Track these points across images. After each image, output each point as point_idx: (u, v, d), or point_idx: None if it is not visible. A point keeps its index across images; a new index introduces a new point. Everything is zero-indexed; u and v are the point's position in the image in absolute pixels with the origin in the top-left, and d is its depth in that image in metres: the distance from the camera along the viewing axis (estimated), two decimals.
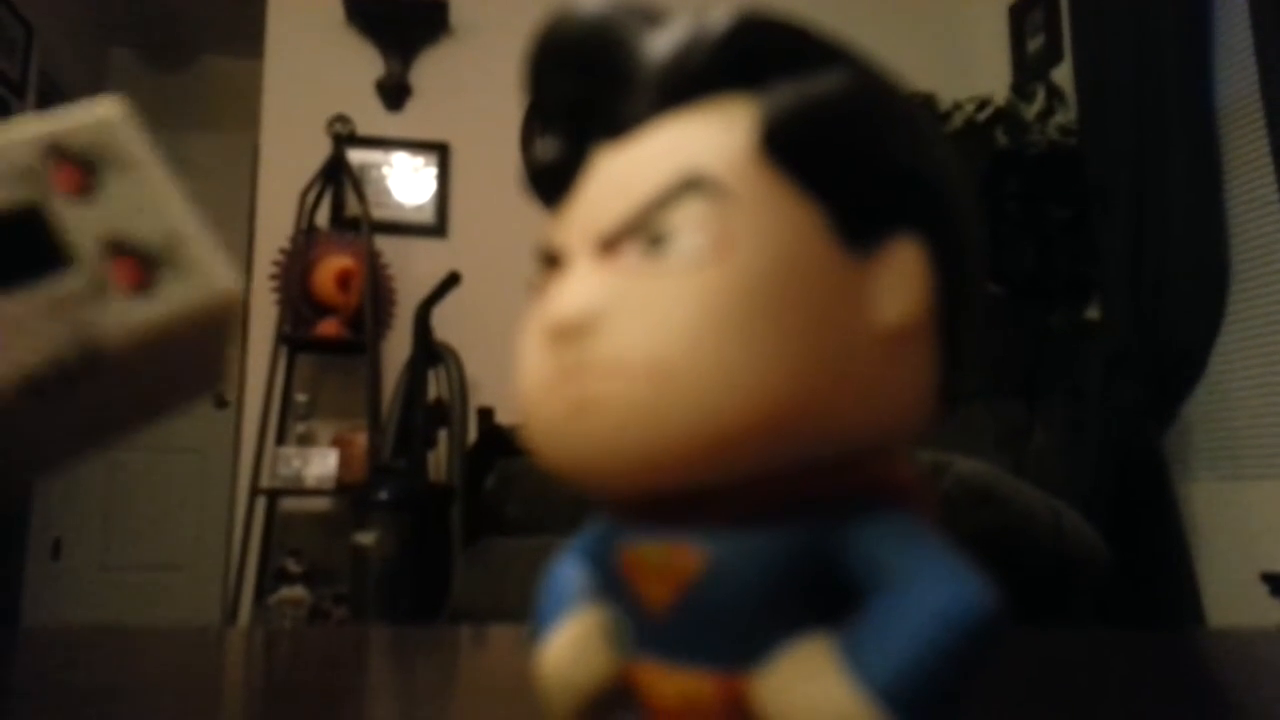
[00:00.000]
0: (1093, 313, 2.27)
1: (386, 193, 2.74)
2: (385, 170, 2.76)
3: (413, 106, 2.80)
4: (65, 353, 0.17)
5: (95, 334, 0.17)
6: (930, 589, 0.15)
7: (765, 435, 0.15)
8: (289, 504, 2.53)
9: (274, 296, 2.58)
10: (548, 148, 0.19)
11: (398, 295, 2.65)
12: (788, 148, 0.16)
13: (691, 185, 0.16)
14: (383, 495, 2.14)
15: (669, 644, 0.17)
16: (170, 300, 0.18)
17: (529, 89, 0.19)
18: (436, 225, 2.76)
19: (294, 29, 2.76)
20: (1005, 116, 2.28)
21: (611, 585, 0.18)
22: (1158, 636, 0.57)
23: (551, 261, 0.18)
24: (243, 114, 3.29)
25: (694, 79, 0.17)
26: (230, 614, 2.36)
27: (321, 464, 2.42)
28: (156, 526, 3.64)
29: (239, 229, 3.22)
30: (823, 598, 0.16)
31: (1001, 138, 2.23)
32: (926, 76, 2.14)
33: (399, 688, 0.43)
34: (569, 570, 0.20)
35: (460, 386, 2.44)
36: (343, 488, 2.39)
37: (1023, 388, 1.93)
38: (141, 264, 0.18)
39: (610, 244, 0.16)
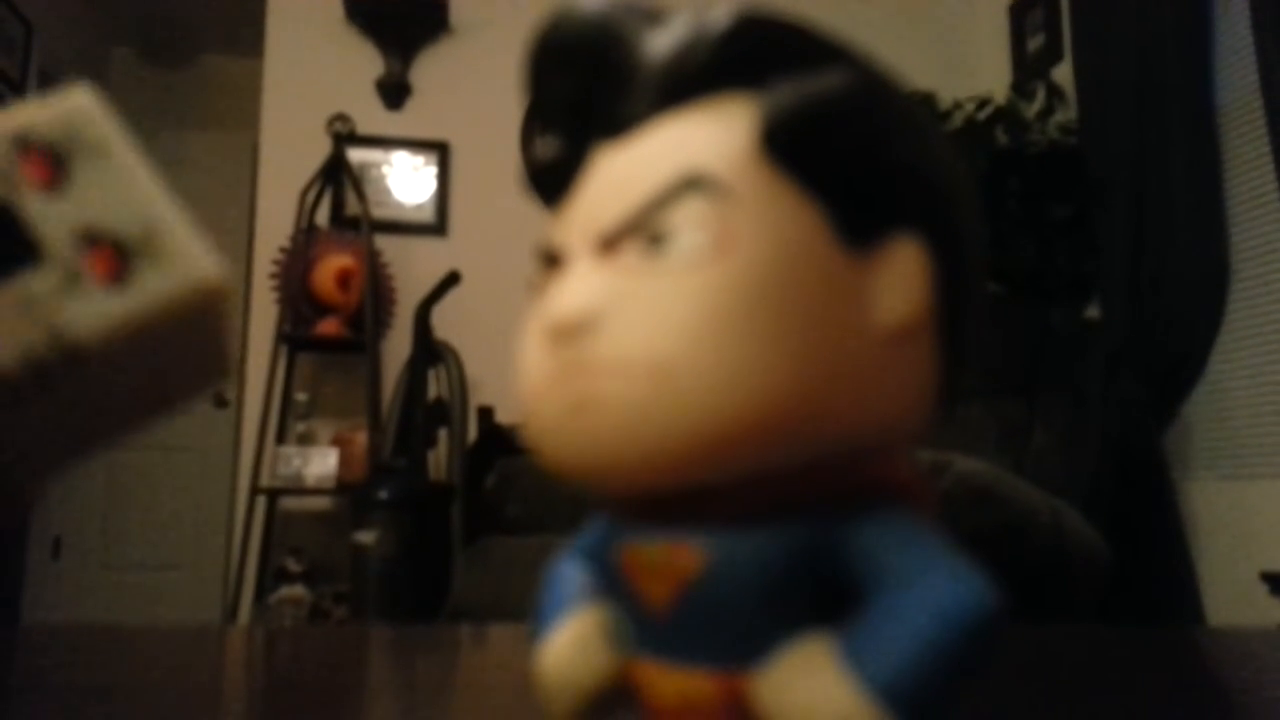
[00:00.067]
0: (1093, 312, 2.27)
1: (386, 192, 2.74)
2: (385, 169, 2.76)
3: (413, 106, 2.80)
4: (40, 350, 0.16)
5: (71, 329, 0.17)
6: (930, 588, 0.15)
7: (765, 434, 0.15)
8: (289, 503, 2.53)
9: (274, 296, 2.58)
10: (548, 147, 0.19)
11: (398, 294, 2.65)
12: (788, 147, 0.16)
13: (691, 184, 0.16)
14: (383, 494, 2.14)
15: (669, 643, 0.17)
16: (148, 291, 0.17)
17: (529, 88, 0.19)
18: (436, 224, 2.76)
19: (294, 28, 2.76)
20: (1005, 115, 2.28)
21: (611, 584, 0.18)
22: (1157, 635, 0.57)
23: (551, 261, 0.18)
24: (243, 113, 3.29)
25: (694, 78, 0.17)
26: (230, 613, 2.36)
27: (321, 463, 2.42)
28: (156, 526, 3.64)
29: (239, 228, 3.22)
30: (823, 597, 0.16)
31: (1001, 137, 2.23)
32: (927, 75, 2.14)
33: (399, 687, 0.43)
34: (569, 569, 0.20)
35: (460, 385, 2.45)
36: (343, 487, 2.39)
37: (1023, 387, 1.93)
38: (117, 255, 0.17)
39: (610, 243, 0.16)
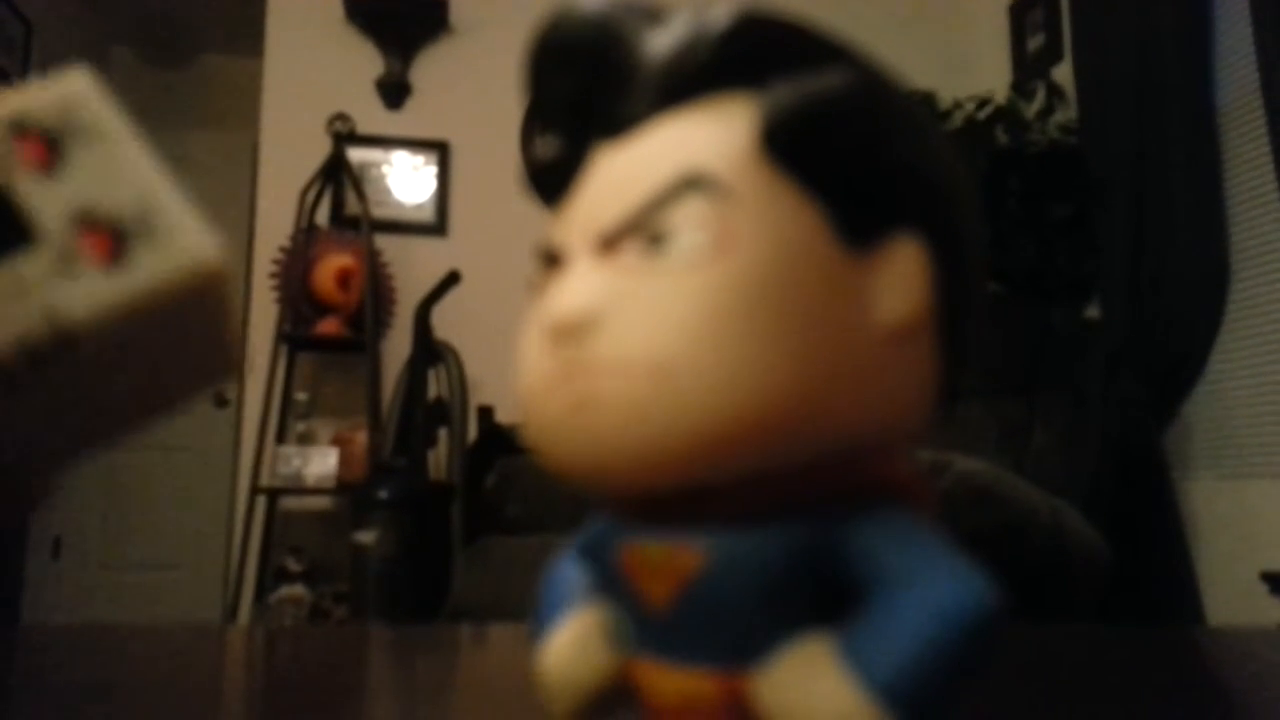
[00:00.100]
0: (1093, 311, 2.27)
1: (386, 191, 2.74)
2: (385, 169, 2.76)
3: (413, 105, 2.80)
4: (35, 333, 0.16)
5: (66, 312, 0.16)
6: (930, 587, 0.15)
7: (765, 433, 0.15)
8: (289, 503, 2.53)
9: (274, 295, 2.58)
10: (548, 146, 0.19)
11: (398, 294, 2.65)
12: (788, 146, 0.16)
13: (692, 184, 0.16)
14: (383, 494, 2.14)
15: (669, 642, 0.17)
16: (145, 273, 0.17)
17: (529, 87, 0.19)
18: (436, 224, 2.76)
19: (294, 28, 2.76)
20: (1005, 115, 2.28)
21: (612, 584, 0.18)
22: (1157, 635, 0.57)
23: (551, 260, 0.18)
24: (243, 113, 3.29)
25: (694, 77, 0.17)
26: (230, 613, 2.36)
27: (321, 463, 2.42)
28: (157, 525, 3.64)
29: (239, 228, 3.22)
30: (823, 597, 0.16)
31: (1002, 136, 2.23)
32: (927, 75, 2.14)
33: (399, 687, 0.43)
34: (569, 569, 0.20)
35: (460, 385, 2.45)
36: (343, 486, 2.39)
37: (1023, 386, 1.93)
38: (113, 238, 0.17)
39: (610, 243, 0.16)
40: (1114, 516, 1.68)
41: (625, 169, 0.17)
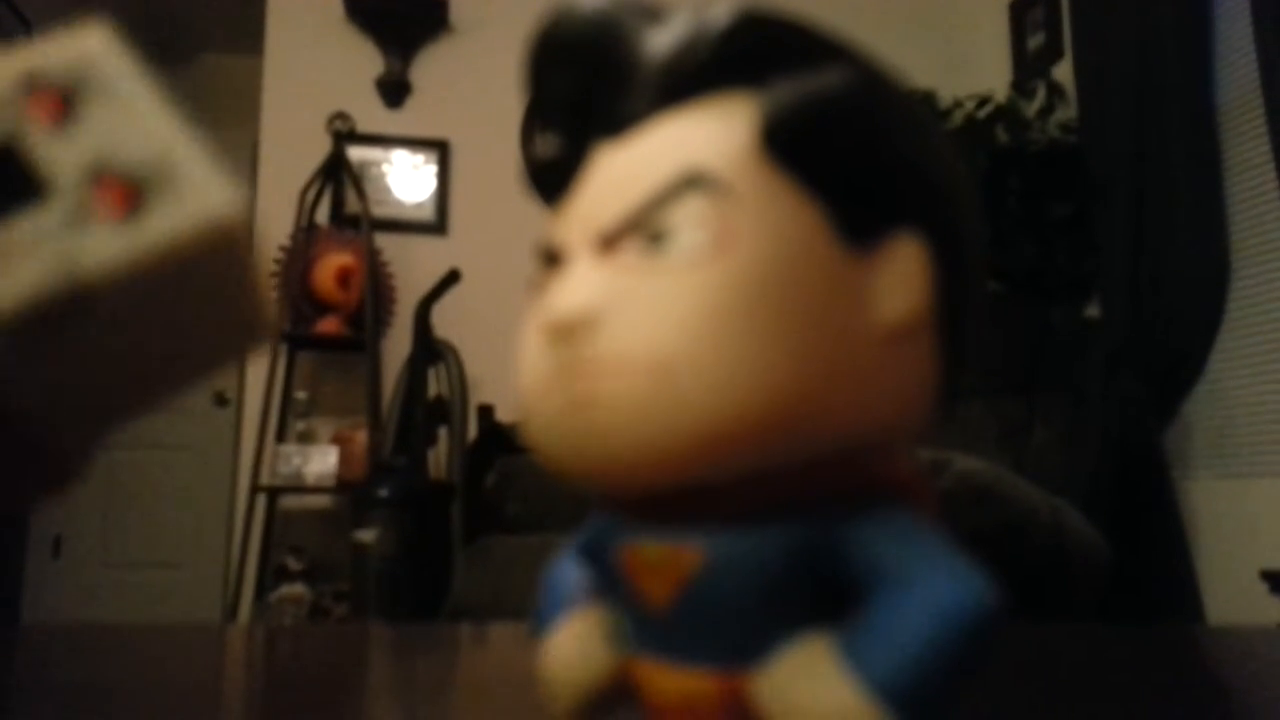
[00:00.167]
0: (1093, 310, 2.27)
1: (386, 190, 2.74)
2: (385, 168, 2.76)
3: (413, 104, 2.80)
4: (49, 287, 0.16)
5: (81, 265, 0.16)
6: (930, 587, 0.15)
7: (765, 432, 0.15)
8: (289, 501, 2.53)
9: (274, 294, 2.58)
10: (548, 145, 0.19)
11: (398, 293, 2.65)
12: (788, 145, 0.16)
13: (692, 182, 0.16)
14: (383, 493, 2.14)
15: (669, 642, 0.17)
16: (161, 225, 0.17)
17: (529, 86, 0.19)
18: (436, 223, 2.76)
19: (294, 26, 2.76)
20: (1006, 114, 2.27)
21: (612, 583, 0.18)
22: (1157, 633, 0.57)
23: (551, 259, 0.18)
24: (242, 111, 3.29)
25: (694, 76, 0.16)
26: (230, 611, 2.36)
27: (322, 461, 2.42)
28: (157, 524, 3.64)
29: None
30: (823, 596, 0.16)
31: (1002, 135, 2.23)
32: (927, 74, 2.14)
33: (399, 686, 0.43)
34: (569, 569, 0.20)
35: (460, 384, 2.45)
36: (343, 485, 2.39)
37: (1023, 385, 1.93)
38: (128, 190, 0.17)
39: (610, 241, 0.16)
40: (1114, 516, 1.68)
41: (625, 168, 0.17)
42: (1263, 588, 1.69)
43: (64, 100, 0.17)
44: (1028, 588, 0.76)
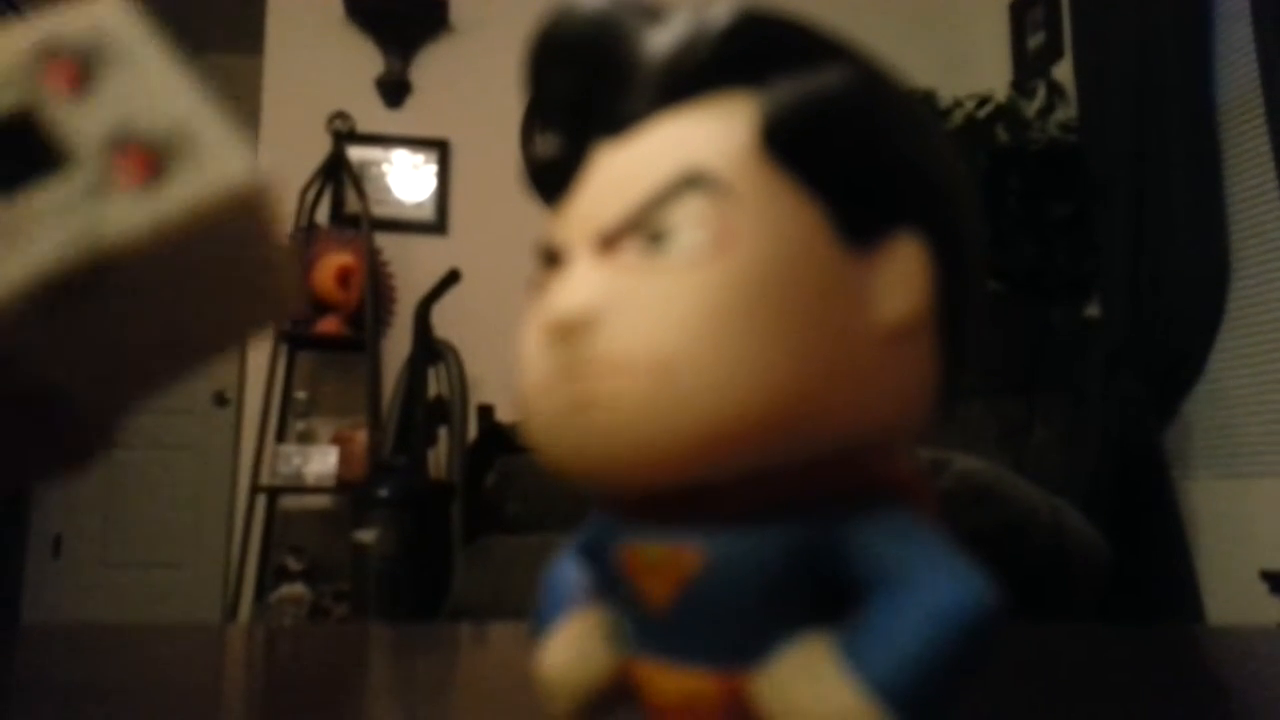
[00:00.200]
0: (1093, 310, 2.27)
1: (386, 190, 2.74)
2: (385, 167, 2.76)
3: (413, 103, 2.80)
4: (72, 255, 0.16)
5: (104, 232, 0.16)
6: (930, 587, 0.15)
7: (765, 431, 0.15)
8: (289, 501, 2.53)
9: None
10: (548, 144, 0.19)
11: (398, 292, 2.65)
12: (788, 144, 0.16)
13: (692, 182, 0.16)
14: (383, 493, 2.14)
15: (669, 642, 0.17)
16: (182, 192, 0.16)
17: (529, 86, 0.19)
18: (436, 222, 2.76)
19: (294, 26, 2.76)
20: (1006, 113, 2.27)
21: (612, 583, 0.18)
22: (1157, 634, 0.57)
23: (552, 259, 0.18)
24: (242, 111, 3.29)
25: (694, 75, 0.16)
26: (230, 611, 2.36)
27: (321, 461, 2.42)
28: (157, 524, 3.64)
29: None
30: (822, 596, 0.16)
31: (1002, 135, 2.23)
32: (927, 73, 2.14)
33: (399, 686, 0.43)
34: (569, 569, 0.20)
35: (460, 384, 2.45)
36: (343, 485, 2.39)
37: (1023, 385, 1.93)
38: (148, 158, 0.17)
39: (610, 241, 0.16)
40: (1114, 516, 1.68)
41: (625, 167, 0.17)
42: (1263, 588, 1.69)
43: (81, 69, 0.17)
44: (1028, 588, 0.76)
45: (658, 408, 0.15)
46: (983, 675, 0.15)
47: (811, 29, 0.17)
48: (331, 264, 2.50)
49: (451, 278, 2.38)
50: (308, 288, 2.50)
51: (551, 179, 0.18)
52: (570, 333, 0.16)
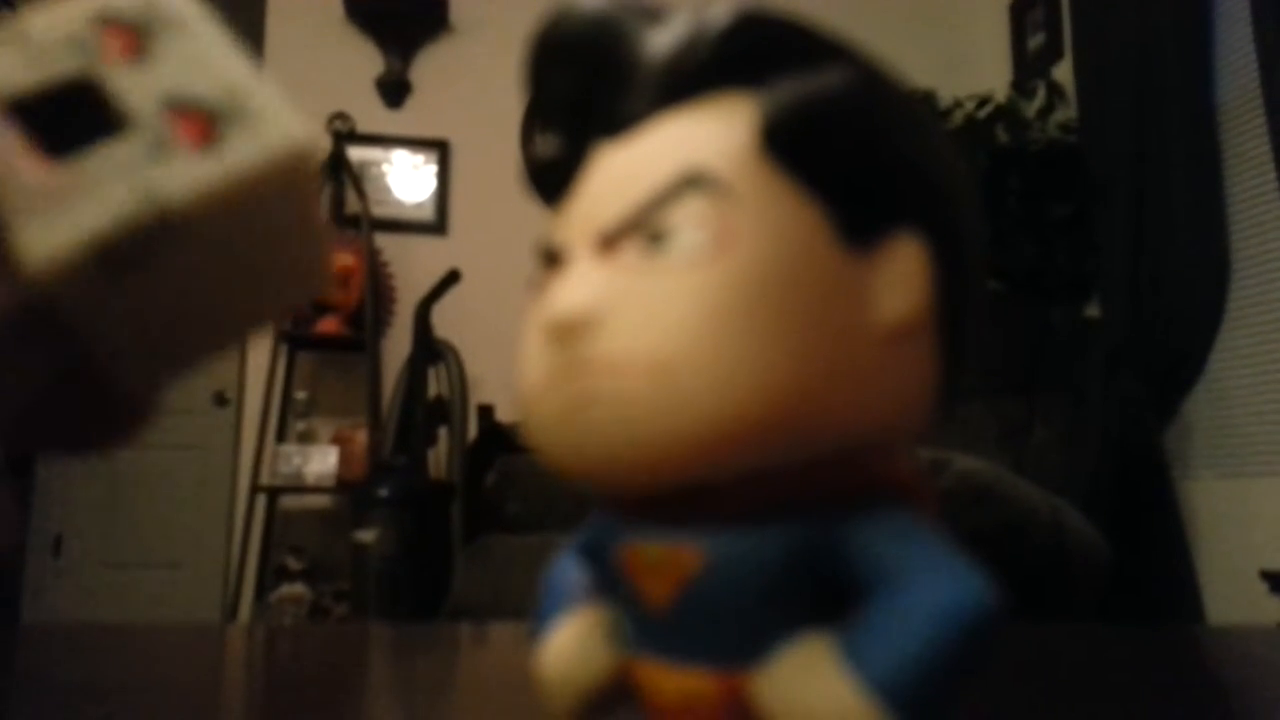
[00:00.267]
0: (1093, 310, 2.27)
1: (386, 190, 2.74)
2: (385, 168, 2.76)
3: (413, 104, 2.80)
4: (135, 213, 0.16)
5: (164, 193, 0.16)
6: (930, 587, 0.15)
7: (765, 432, 0.15)
8: (289, 501, 2.53)
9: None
10: (548, 145, 0.19)
11: (398, 293, 2.65)
12: (788, 145, 0.16)
13: (692, 182, 0.16)
14: (383, 492, 2.14)
15: (669, 642, 0.17)
16: (240, 154, 0.17)
17: (529, 86, 0.19)
18: (436, 223, 2.76)
19: (293, 26, 2.76)
20: (1006, 114, 2.27)
21: (612, 583, 0.18)
22: (1157, 633, 0.57)
23: (552, 259, 0.18)
24: None
25: (694, 76, 0.16)
26: (231, 611, 2.36)
27: (322, 461, 2.42)
28: (157, 524, 3.63)
29: None
30: (823, 596, 0.16)
31: (1002, 135, 2.23)
32: (927, 74, 2.13)
33: (399, 685, 0.43)
34: (569, 568, 0.20)
35: (460, 384, 2.45)
36: (343, 485, 2.39)
37: (1023, 385, 1.93)
38: (205, 121, 0.17)
39: (610, 241, 0.16)
40: (1114, 516, 1.68)
41: (625, 167, 0.17)
42: (1263, 588, 1.69)
43: (137, 37, 0.18)
44: (1028, 588, 0.76)
45: (657, 408, 0.15)
46: (983, 675, 0.15)
47: (811, 29, 0.17)
48: (331, 264, 2.50)
49: (451, 278, 2.38)
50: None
51: (551, 179, 0.18)
52: (570, 333, 0.16)
